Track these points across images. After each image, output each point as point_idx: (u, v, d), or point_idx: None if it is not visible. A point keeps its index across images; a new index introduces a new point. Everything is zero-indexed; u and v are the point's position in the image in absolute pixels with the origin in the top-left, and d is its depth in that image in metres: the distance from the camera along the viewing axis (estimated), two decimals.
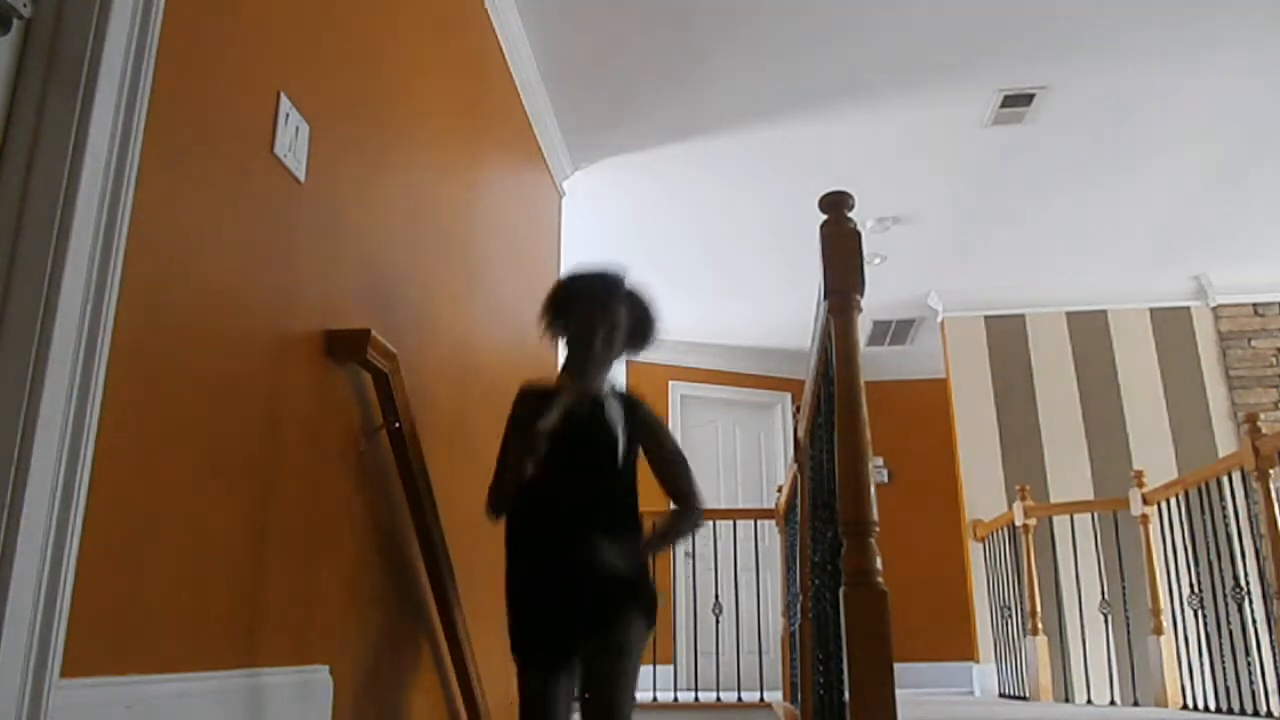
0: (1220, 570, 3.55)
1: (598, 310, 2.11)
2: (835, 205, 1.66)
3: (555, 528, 2.01)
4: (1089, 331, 6.15)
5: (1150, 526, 4.26)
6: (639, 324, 2.20)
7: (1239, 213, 5.25)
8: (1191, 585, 3.80)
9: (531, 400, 2.10)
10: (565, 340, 2.20)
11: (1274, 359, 5.95)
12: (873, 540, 1.43)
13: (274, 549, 1.67)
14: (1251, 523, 3.38)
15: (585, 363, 2.12)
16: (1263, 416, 3.41)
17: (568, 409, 2.02)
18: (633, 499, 2.09)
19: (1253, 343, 5.98)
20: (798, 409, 3.14)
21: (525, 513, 2.05)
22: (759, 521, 6.13)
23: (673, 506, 2.16)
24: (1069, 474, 5.88)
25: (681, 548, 2.20)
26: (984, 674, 5.69)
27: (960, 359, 6.23)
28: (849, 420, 1.52)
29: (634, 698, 1.95)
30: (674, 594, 6.02)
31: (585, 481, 2.05)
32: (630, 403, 2.19)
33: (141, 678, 1.27)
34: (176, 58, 1.37)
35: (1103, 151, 4.60)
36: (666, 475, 2.15)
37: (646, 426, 2.17)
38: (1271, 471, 3.17)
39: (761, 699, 5.05)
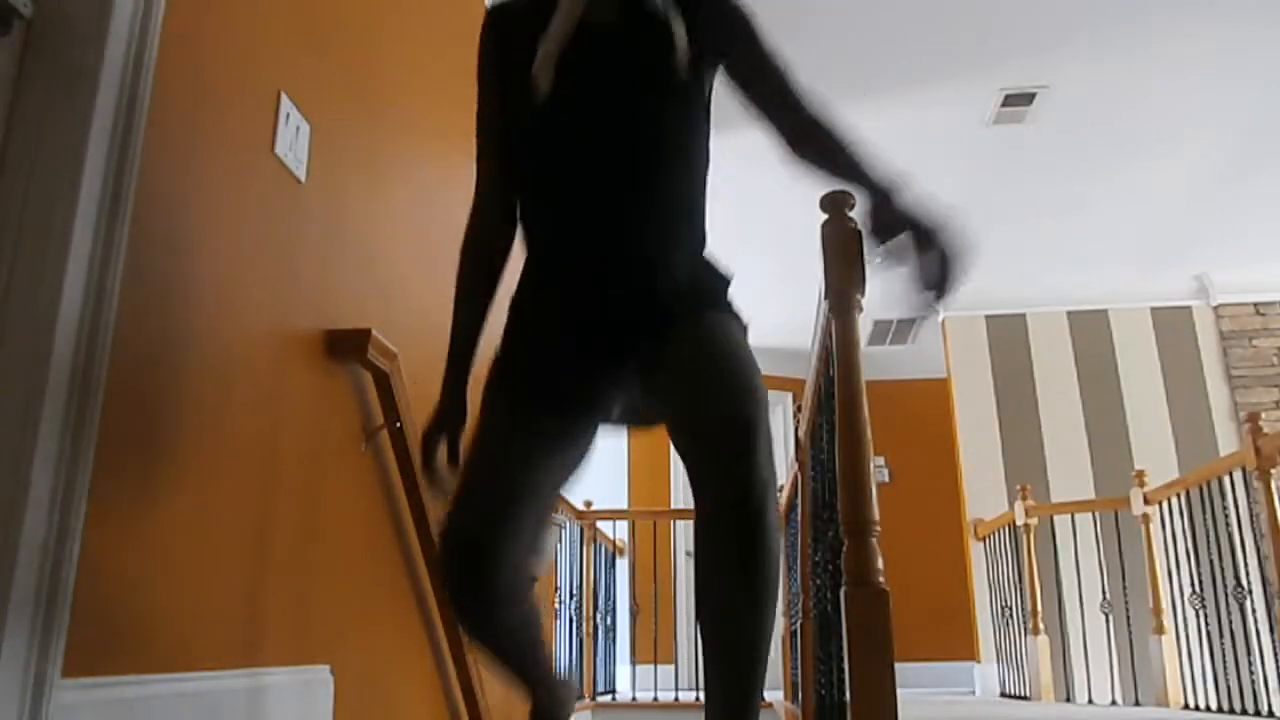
0: (1221, 570, 3.55)
1: None
2: (836, 205, 1.66)
3: (565, 261, 1.34)
4: (1090, 331, 6.14)
5: (1151, 526, 4.25)
6: None
7: (1240, 212, 5.25)
8: (1193, 585, 3.80)
9: (505, 25, 1.40)
10: None
11: (1275, 358, 5.94)
12: (874, 540, 1.43)
13: (274, 548, 1.67)
14: (1253, 522, 3.37)
15: None
16: (1264, 416, 3.40)
17: (574, 26, 1.29)
18: (693, 177, 1.35)
19: (1254, 342, 5.98)
20: (798, 409, 3.14)
21: (528, 232, 1.40)
22: None
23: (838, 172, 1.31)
24: (1070, 473, 5.87)
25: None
26: (985, 674, 5.68)
27: (961, 358, 6.22)
28: (850, 420, 1.51)
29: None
30: (674, 594, 6.02)
31: (615, 158, 1.30)
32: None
33: (141, 678, 1.27)
34: (176, 58, 1.37)
35: (1104, 151, 4.59)
36: (776, 112, 1.35)
37: (721, 24, 1.34)
38: (1273, 471, 3.17)
39: (762, 698, 5.04)
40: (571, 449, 1.38)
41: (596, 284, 1.31)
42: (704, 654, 1.21)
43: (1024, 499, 5.03)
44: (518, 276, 1.44)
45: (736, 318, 1.34)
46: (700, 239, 1.40)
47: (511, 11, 1.41)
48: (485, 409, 1.38)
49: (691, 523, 1.22)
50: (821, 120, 1.33)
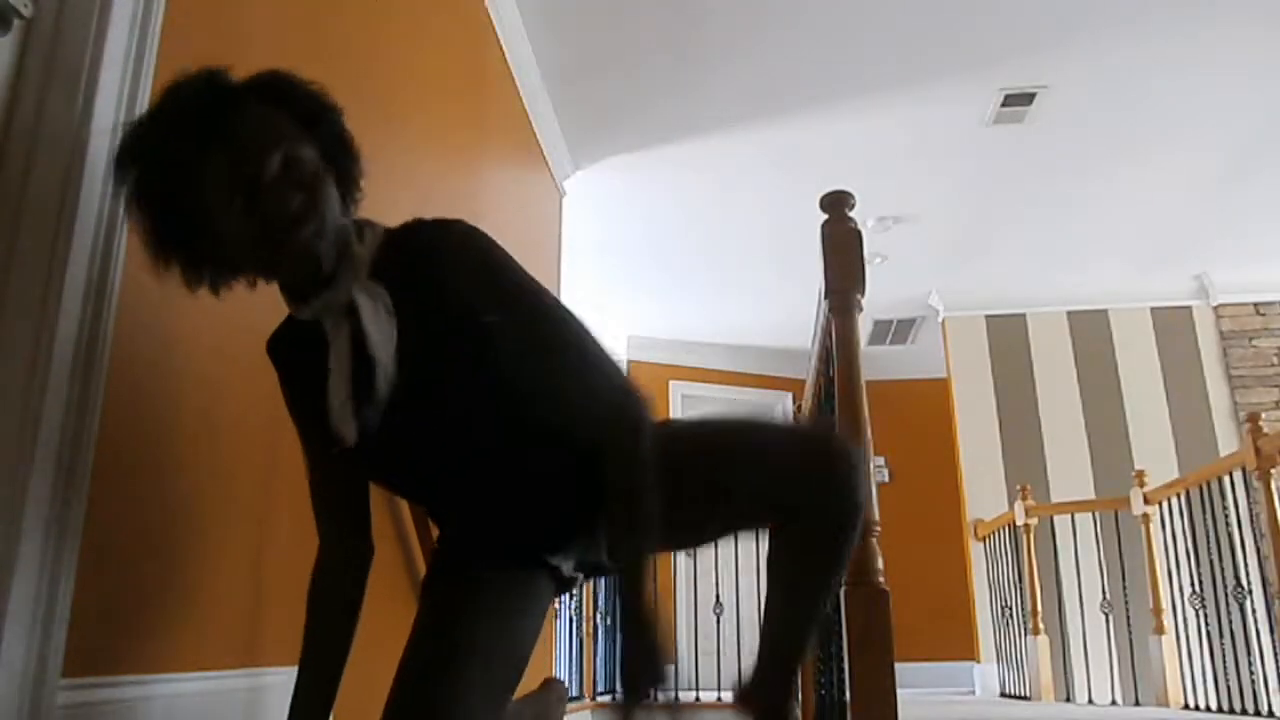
0: (1221, 569, 3.55)
1: (244, 165, 1.08)
2: (836, 205, 1.66)
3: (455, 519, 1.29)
4: (1090, 331, 6.14)
5: (1151, 526, 4.26)
6: (333, 144, 1.20)
7: (1240, 212, 5.25)
8: (1193, 584, 3.80)
9: (289, 357, 1.27)
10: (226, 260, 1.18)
11: (1275, 358, 5.94)
12: (874, 540, 1.43)
13: (274, 548, 1.66)
14: (1253, 522, 3.37)
15: (289, 265, 1.15)
16: (1264, 416, 3.41)
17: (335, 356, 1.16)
18: (514, 403, 1.19)
19: (1254, 342, 5.98)
20: (798, 408, 3.13)
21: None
22: None
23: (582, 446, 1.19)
24: (1070, 473, 5.87)
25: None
26: (985, 674, 5.68)
27: (961, 358, 6.22)
28: (850, 420, 1.52)
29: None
30: (674, 592, 6.02)
31: (431, 443, 1.20)
32: (413, 252, 1.21)
33: (141, 678, 1.27)
34: (176, 58, 1.37)
35: (1104, 150, 4.59)
36: (525, 368, 1.17)
37: (449, 279, 1.18)
38: (1273, 471, 3.17)
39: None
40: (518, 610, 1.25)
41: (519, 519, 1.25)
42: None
43: (1024, 499, 5.03)
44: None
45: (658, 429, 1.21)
46: (579, 393, 1.21)
47: (284, 341, 1.28)
48: (423, 596, 1.30)
49: None
50: (564, 379, 1.20)
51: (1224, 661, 3.54)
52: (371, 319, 1.14)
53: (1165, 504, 4.10)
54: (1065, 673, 5.24)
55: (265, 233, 1.10)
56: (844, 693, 1.43)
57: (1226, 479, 3.54)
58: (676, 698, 1.26)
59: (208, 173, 1.09)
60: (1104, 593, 4.69)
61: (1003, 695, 5.32)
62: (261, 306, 1.65)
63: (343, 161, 1.21)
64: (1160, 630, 4.19)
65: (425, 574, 1.32)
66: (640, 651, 1.12)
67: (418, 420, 1.17)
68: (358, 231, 1.21)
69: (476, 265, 1.21)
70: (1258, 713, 3.34)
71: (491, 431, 1.19)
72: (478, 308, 1.17)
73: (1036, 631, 4.85)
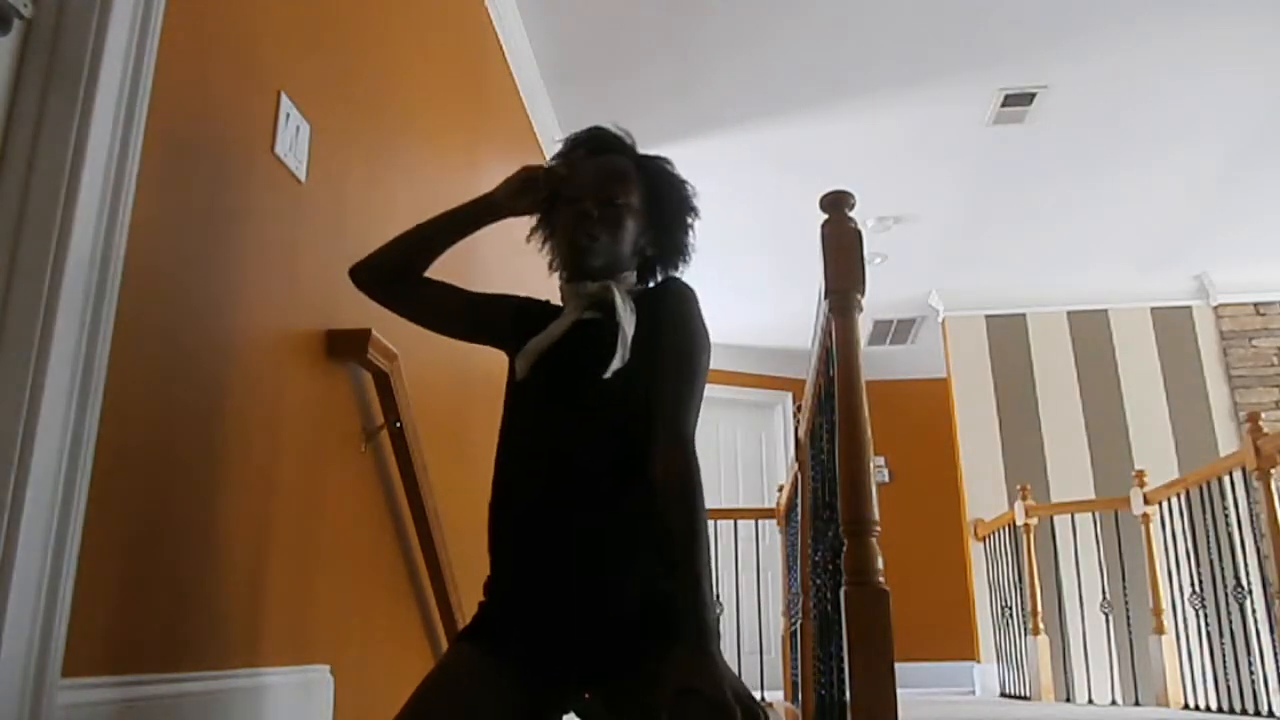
0: (1221, 569, 3.55)
1: (604, 182, 1.48)
2: (836, 205, 1.65)
3: (526, 517, 1.37)
4: (1090, 331, 6.14)
5: (1151, 526, 4.26)
6: (662, 203, 1.53)
7: (1239, 212, 5.25)
8: (1193, 584, 3.80)
9: (526, 311, 1.57)
10: (550, 239, 1.58)
11: (1275, 358, 5.94)
12: (874, 540, 1.43)
13: (274, 548, 1.67)
14: (1253, 522, 3.37)
15: (581, 259, 1.46)
16: (1264, 416, 3.40)
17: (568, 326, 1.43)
18: (631, 451, 1.32)
19: (1254, 342, 5.98)
20: (798, 408, 3.14)
21: (499, 486, 1.44)
22: (760, 521, 6.12)
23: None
24: (1070, 473, 5.87)
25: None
26: (985, 674, 5.68)
27: (961, 358, 6.23)
28: (850, 420, 1.51)
29: None
30: None
31: (563, 438, 1.36)
32: (657, 296, 1.44)
33: (141, 677, 1.27)
34: (176, 58, 1.37)
35: (1104, 151, 4.59)
36: (651, 399, 1.34)
37: (659, 322, 1.39)
38: (1273, 471, 3.17)
39: (763, 698, 5.05)
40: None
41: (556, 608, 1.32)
42: None
43: (1024, 499, 5.03)
44: None
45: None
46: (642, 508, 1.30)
47: (528, 304, 1.60)
48: (450, 650, 1.39)
49: None
50: (663, 415, 1.33)
51: (1224, 661, 3.54)
52: (621, 306, 1.40)
53: (1165, 504, 4.10)
54: (1065, 673, 5.24)
55: (565, 235, 1.49)
56: (844, 693, 1.43)
57: (1226, 479, 3.54)
58: None
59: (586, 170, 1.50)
60: (1104, 593, 4.69)
61: (1003, 695, 5.32)
62: (262, 306, 1.65)
63: (663, 238, 1.54)
64: (1160, 630, 4.19)
65: (468, 627, 1.39)
66: None
67: (566, 398, 1.39)
68: (639, 276, 1.55)
69: (674, 311, 1.42)
70: (1258, 713, 3.34)
71: (599, 453, 1.35)
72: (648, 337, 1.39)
73: (1036, 631, 4.85)
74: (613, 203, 1.47)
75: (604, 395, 1.35)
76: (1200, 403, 5.90)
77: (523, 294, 1.63)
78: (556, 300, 1.56)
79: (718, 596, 5.08)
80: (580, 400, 1.37)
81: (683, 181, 1.57)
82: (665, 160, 1.58)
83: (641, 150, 1.58)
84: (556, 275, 1.56)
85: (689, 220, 1.56)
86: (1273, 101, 4.17)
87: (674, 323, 1.39)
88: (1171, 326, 6.08)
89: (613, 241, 1.46)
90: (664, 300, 1.42)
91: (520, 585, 1.35)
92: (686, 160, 1.77)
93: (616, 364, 1.34)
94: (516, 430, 1.43)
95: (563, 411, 1.38)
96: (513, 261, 3.65)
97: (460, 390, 2.86)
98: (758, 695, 5.17)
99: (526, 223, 1.63)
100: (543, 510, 1.35)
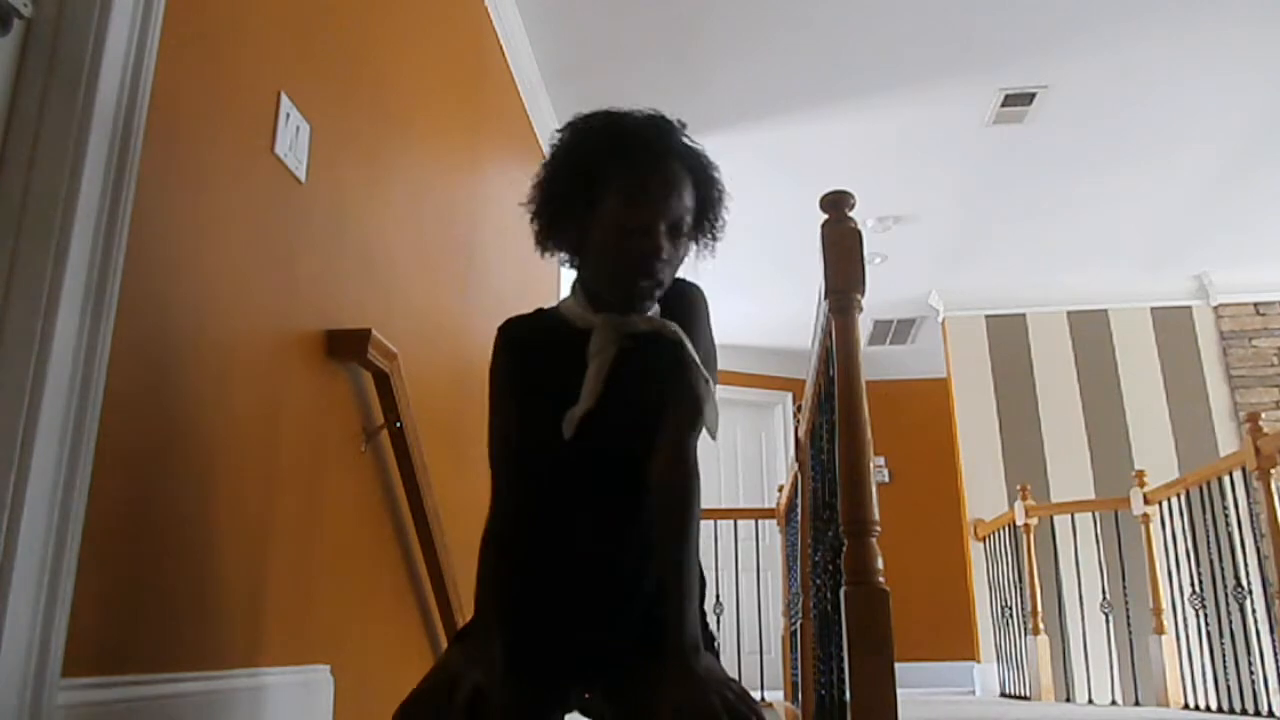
0: (1221, 569, 3.55)
1: (660, 192, 1.29)
2: (836, 205, 1.65)
3: (549, 536, 1.34)
4: (1090, 331, 6.14)
5: (1151, 526, 4.26)
6: (708, 212, 1.40)
7: (1240, 212, 5.25)
8: (1193, 584, 3.80)
9: (524, 345, 1.43)
10: (580, 248, 1.35)
11: (1275, 358, 5.94)
12: (874, 540, 1.42)
13: (274, 548, 1.67)
14: (1253, 522, 3.37)
15: (639, 300, 1.31)
16: (1264, 416, 3.40)
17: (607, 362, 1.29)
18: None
19: (1254, 342, 5.98)
20: (798, 408, 3.14)
21: (525, 497, 1.41)
22: (759, 521, 6.13)
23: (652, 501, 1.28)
24: (1070, 473, 5.87)
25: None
26: (985, 674, 5.68)
27: (961, 358, 6.23)
28: (850, 420, 1.51)
29: None
30: None
31: (607, 499, 1.32)
32: (668, 303, 1.37)
33: (141, 677, 1.27)
34: (176, 58, 1.37)
35: (1104, 151, 4.59)
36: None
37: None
38: (1273, 471, 3.17)
39: (762, 698, 5.05)
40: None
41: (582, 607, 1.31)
42: None
43: (1024, 499, 5.03)
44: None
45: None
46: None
47: (526, 328, 1.44)
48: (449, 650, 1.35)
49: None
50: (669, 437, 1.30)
51: (1224, 661, 3.54)
52: (692, 355, 1.30)
53: (1165, 504, 4.10)
54: (1065, 673, 5.24)
55: (622, 269, 1.29)
56: (844, 693, 1.43)
57: (1226, 479, 3.54)
58: None
59: (614, 175, 1.29)
60: (1104, 593, 4.69)
61: (1003, 695, 5.32)
62: (262, 306, 1.65)
63: (700, 250, 1.42)
64: (1160, 630, 4.19)
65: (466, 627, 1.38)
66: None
67: (610, 439, 1.31)
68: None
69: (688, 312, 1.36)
70: (1258, 713, 3.34)
71: (620, 474, 1.31)
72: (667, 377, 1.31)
73: (1036, 631, 4.85)
74: (681, 234, 1.33)
75: (629, 419, 1.31)
76: (1200, 403, 5.90)
77: (509, 292, 1.52)
78: (551, 300, 1.50)
79: (718, 597, 5.09)
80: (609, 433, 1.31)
81: (723, 188, 1.45)
82: (706, 157, 1.42)
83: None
84: (553, 260, 1.43)
85: (721, 228, 1.46)
86: (1273, 101, 4.17)
87: (686, 330, 1.34)
88: (1171, 326, 6.08)
89: (672, 274, 1.35)
90: (676, 307, 1.37)
91: (530, 599, 1.33)
92: None
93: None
94: (537, 447, 1.39)
95: (594, 457, 1.32)
96: (511, 253, 3.66)
97: (461, 390, 2.86)
98: (757, 695, 5.17)
99: (522, 215, 1.56)
100: (567, 530, 1.33)
